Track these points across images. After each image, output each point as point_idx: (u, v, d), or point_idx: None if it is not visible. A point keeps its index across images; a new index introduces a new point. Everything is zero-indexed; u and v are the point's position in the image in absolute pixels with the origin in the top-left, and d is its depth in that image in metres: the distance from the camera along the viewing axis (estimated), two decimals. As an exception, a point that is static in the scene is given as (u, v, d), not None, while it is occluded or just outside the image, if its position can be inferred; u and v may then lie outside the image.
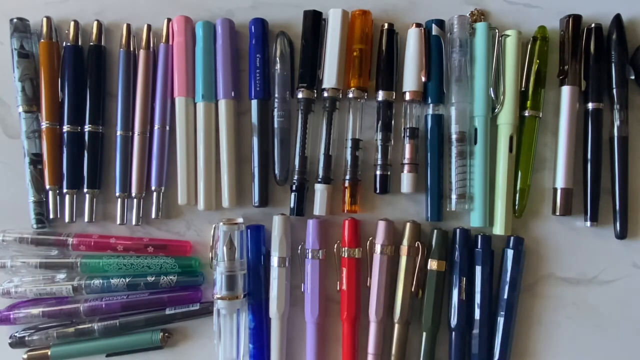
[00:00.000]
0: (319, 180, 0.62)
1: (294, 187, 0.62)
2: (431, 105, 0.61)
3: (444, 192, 0.62)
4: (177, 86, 0.63)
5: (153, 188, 0.63)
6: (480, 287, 0.60)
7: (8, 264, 0.62)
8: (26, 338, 0.61)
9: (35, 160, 0.63)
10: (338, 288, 0.62)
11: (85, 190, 0.63)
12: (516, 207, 0.62)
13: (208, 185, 0.62)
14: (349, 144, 0.62)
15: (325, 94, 0.61)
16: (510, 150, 0.61)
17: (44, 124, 0.63)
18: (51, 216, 0.63)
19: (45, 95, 0.63)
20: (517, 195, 0.61)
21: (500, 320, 0.60)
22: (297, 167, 0.62)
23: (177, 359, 0.64)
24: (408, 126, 0.62)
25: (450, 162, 0.61)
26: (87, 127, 0.63)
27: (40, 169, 0.63)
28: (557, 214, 0.61)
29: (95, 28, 0.64)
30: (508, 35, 0.61)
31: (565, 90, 0.61)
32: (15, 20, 0.63)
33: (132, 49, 0.64)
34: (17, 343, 0.62)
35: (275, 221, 0.61)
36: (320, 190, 0.61)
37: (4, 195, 0.65)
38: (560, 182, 0.61)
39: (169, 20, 0.64)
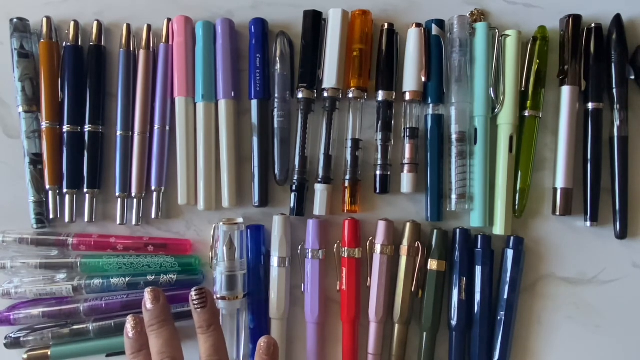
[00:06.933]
0: (319, 180, 0.62)
1: (294, 187, 0.62)
2: (431, 105, 0.61)
3: (444, 192, 0.62)
4: (177, 86, 0.63)
5: (153, 188, 0.63)
6: (480, 287, 0.60)
7: (8, 265, 0.62)
8: (21, 339, 0.61)
9: (35, 160, 0.63)
10: (338, 288, 0.62)
11: (85, 190, 0.63)
12: (516, 207, 0.62)
13: (208, 185, 0.62)
14: (349, 144, 0.62)
15: (325, 94, 0.61)
16: (510, 150, 0.61)
17: (44, 124, 0.62)
18: (51, 216, 0.63)
19: (45, 95, 0.63)
20: (517, 195, 0.61)
21: (500, 320, 0.60)
22: (297, 167, 0.62)
23: (177, 359, 0.64)
24: (408, 126, 0.62)
25: (450, 162, 0.61)
26: (87, 127, 0.63)
27: (40, 169, 0.63)
28: (557, 214, 0.61)
29: (95, 28, 0.64)
30: (508, 35, 0.61)
31: (565, 90, 0.61)
32: (15, 20, 0.63)
33: (132, 49, 0.64)
34: (12, 344, 0.61)
35: (275, 221, 0.61)
36: (320, 190, 0.61)
37: (4, 195, 0.65)
38: (560, 182, 0.61)
39: (169, 20, 0.64)
